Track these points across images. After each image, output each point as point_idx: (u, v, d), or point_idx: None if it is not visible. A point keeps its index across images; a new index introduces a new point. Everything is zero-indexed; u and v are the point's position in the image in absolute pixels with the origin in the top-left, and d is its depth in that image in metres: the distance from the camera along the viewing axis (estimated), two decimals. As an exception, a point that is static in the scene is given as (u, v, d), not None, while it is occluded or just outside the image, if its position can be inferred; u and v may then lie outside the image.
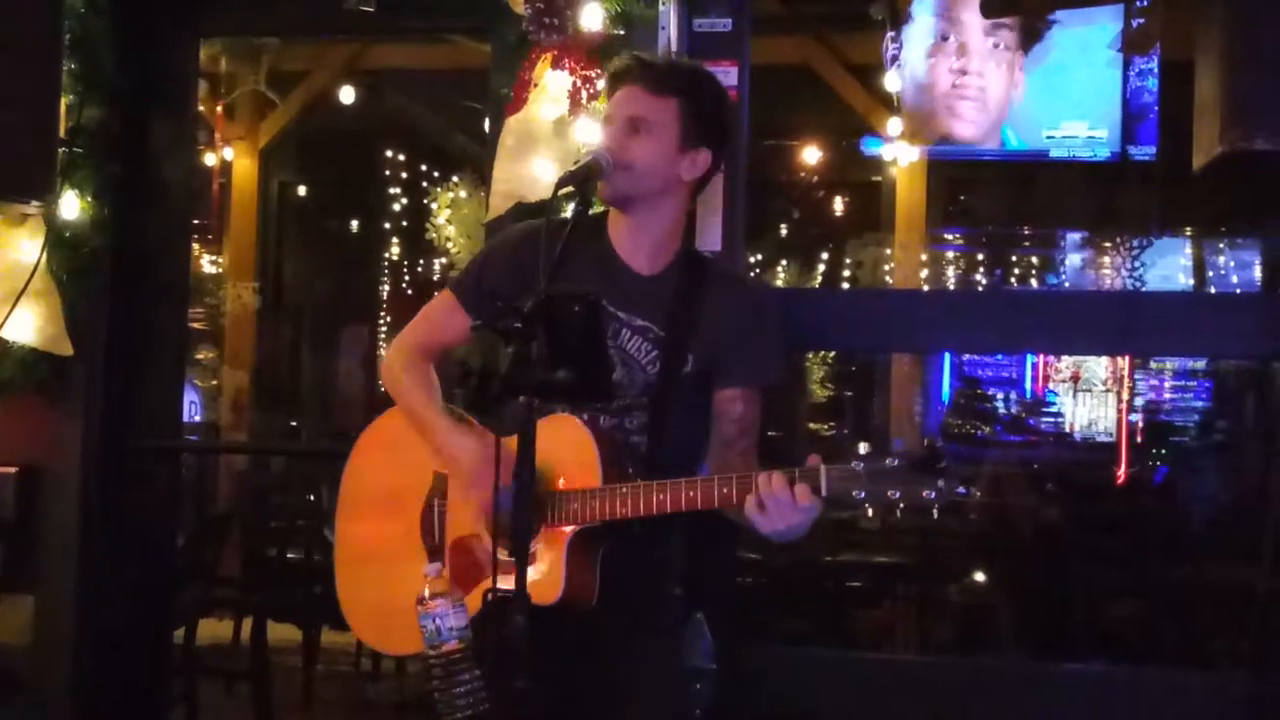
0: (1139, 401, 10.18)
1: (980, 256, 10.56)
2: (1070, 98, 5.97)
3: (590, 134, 3.51)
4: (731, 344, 2.63)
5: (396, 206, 11.19)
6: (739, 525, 2.44)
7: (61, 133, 3.95)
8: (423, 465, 2.73)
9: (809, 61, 7.90)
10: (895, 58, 6.04)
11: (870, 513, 2.24)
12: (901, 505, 2.22)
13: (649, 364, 2.63)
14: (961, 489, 2.30)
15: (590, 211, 2.63)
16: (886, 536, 6.16)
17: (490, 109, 3.78)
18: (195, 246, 8.89)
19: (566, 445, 2.50)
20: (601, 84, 3.50)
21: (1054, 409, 10.92)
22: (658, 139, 2.62)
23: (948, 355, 10.04)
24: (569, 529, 2.48)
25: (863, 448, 2.25)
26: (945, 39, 5.88)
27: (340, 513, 2.88)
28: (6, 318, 3.95)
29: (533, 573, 2.45)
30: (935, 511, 2.22)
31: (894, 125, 7.26)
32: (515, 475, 2.20)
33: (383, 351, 12.21)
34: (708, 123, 2.69)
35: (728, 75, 3.70)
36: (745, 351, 2.64)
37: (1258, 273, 9.72)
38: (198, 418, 8.87)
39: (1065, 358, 10.29)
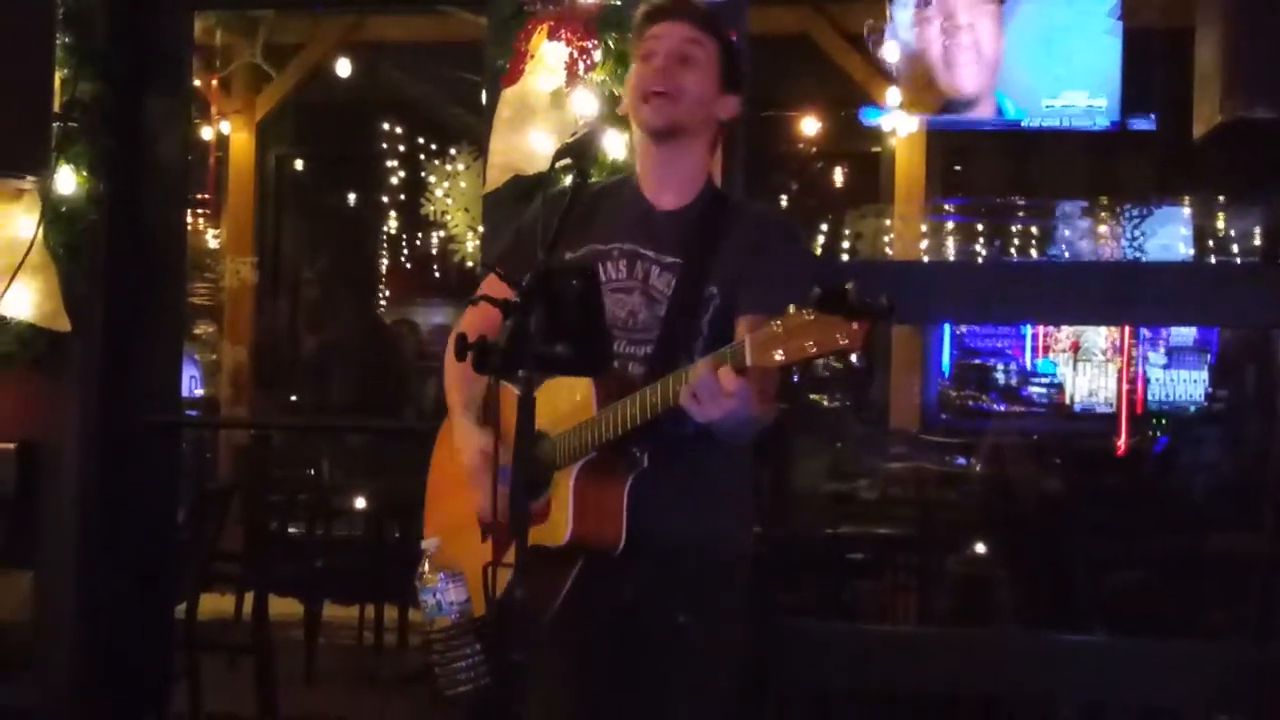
0: (1138, 371, 10.18)
1: (980, 227, 10.54)
2: (1069, 66, 5.95)
3: (587, 105, 3.49)
4: (747, 271, 2.58)
5: (394, 180, 11.17)
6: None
7: (56, 107, 3.94)
8: None
9: (807, 31, 7.86)
10: (879, 41, 6.02)
11: (796, 377, 2.12)
12: (821, 360, 2.03)
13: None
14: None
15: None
16: (885, 508, 6.18)
17: (486, 81, 3.76)
18: (193, 221, 8.89)
19: (565, 389, 2.50)
20: (598, 55, 3.49)
21: (1053, 380, 10.93)
22: (705, 73, 2.65)
23: (947, 326, 10.04)
24: (575, 466, 2.47)
25: (792, 308, 2.06)
26: (928, 3, 5.86)
27: (426, 509, 2.89)
28: (3, 293, 3.95)
29: (548, 519, 2.47)
30: (855, 359, 2.00)
31: (893, 95, 7.24)
32: (515, 449, 2.19)
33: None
34: (738, 69, 2.73)
35: (725, 46, 3.68)
36: (759, 277, 2.56)
37: (1258, 241, 9.71)
38: (197, 392, 8.86)
39: (1064, 328, 10.30)
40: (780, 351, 2.05)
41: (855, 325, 1.98)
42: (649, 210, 2.69)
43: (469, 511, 2.69)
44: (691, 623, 2.57)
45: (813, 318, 2.01)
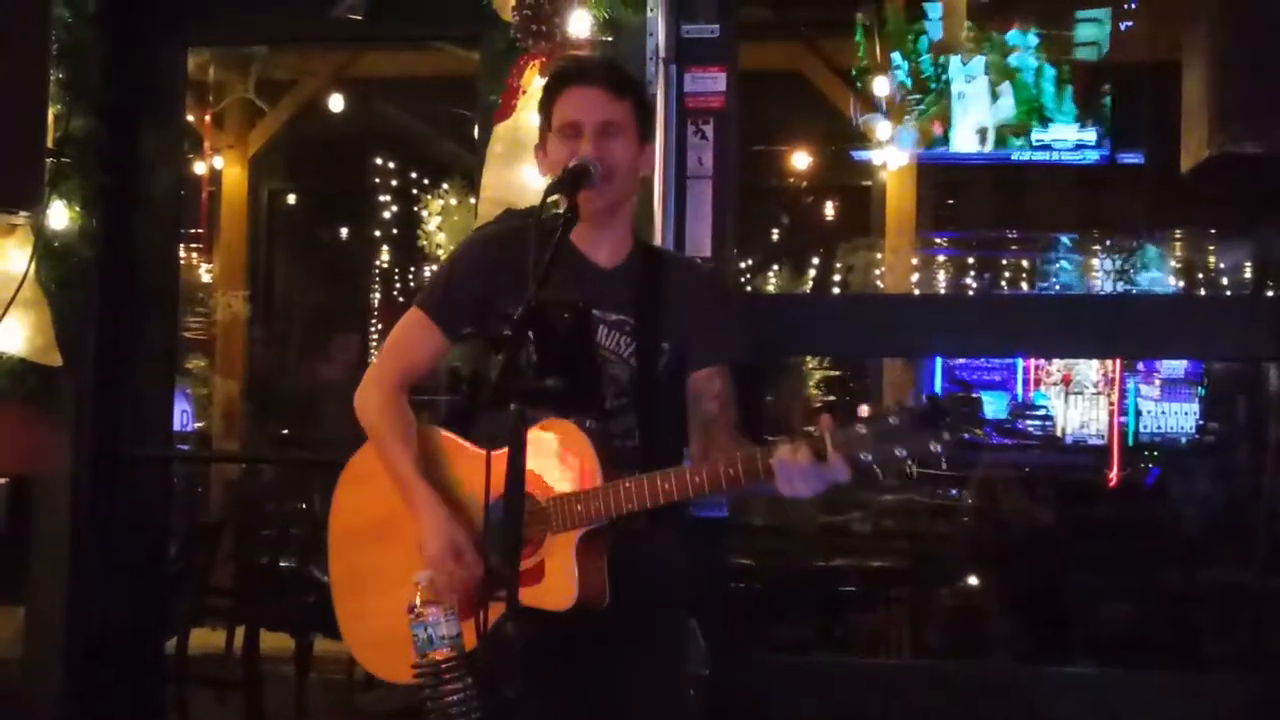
0: (1130, 404, 10.19)
1: (970, 260, 10.57)
2: (1059, 101, 6.00)
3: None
4: (701, 324, 2.61)
5: (386, 214, 11.18)
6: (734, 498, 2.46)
7: (50, 143, 3.95)
8: None
9: (798, 67, 7.90)
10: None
11: (881, 474, 2.21)
12: (911, 463, 2.19)
13: (630, 357, 2.60)
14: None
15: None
16: (878, 540, 6.17)
17: (479, 116, 3.78)
18: (186, 255, 8.88)
19: (562, 450, 2.48)
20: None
21: (1045, 412, 10.92)
22: (628, 140, 2.61)
23: (939, 359, 10.05)
24: (577, 531, 2.45)
25: (863, 410, 2.21)
26: None
27: (332, 551, 2.80)
28: (-5, 328, 3.95)
29: (544, 582, 2.45)
30: (943, 462, 2.19)
31: (883, 129, 7.28)
32: (506, 492, 2.16)
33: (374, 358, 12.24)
34: (650, 115, 2.74)
35: (716, 81, 3.70)
36: (716, 329, 2.62)
37: (1247, 275, 9.75)
38: (189, 427, 8.84)
39: (1056, 361, 10.31)
40: (869, 455, 2.19)
41: (948, 435, 2.16)
42: (590, 268, 2.66)
43: (401, 561, 2.59)
44: (662, 645, 2.61)
45: (899, 423, 2.17)
